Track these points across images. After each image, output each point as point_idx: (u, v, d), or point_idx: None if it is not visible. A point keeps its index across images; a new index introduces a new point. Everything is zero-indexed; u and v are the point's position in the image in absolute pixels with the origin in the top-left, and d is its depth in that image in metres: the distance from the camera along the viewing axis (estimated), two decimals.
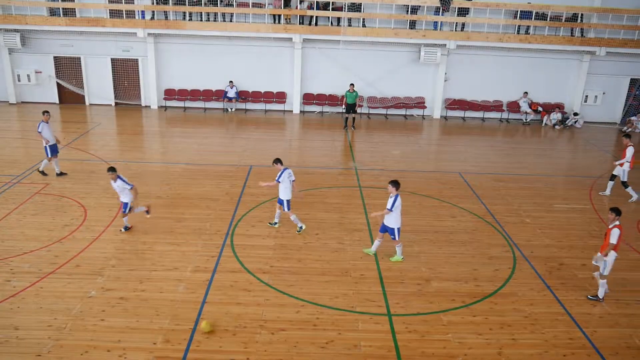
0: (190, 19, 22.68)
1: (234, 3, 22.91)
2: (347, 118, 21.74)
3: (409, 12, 22.96)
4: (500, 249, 11.71)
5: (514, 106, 24.74)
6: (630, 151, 14.64)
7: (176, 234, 11.68)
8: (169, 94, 24.16)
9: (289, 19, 22.85)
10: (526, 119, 24.53)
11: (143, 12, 22.48)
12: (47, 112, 14.88)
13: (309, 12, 22.58)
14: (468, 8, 22.75)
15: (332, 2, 22.55)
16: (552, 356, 8.24)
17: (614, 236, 9.41)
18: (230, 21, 22.81)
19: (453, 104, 24.71)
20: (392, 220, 10.62)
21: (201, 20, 22.73)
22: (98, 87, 24.08)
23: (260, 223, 12.39)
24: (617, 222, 9.54)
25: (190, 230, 11.87)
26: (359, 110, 22.42)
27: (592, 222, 13.42)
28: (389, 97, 24.39)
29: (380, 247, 11.05)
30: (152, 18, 22.53)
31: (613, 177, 15.17)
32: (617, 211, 9.62)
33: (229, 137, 20.74)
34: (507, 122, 24.79)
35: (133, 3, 22.33)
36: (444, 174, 16.69)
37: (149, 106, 24.31)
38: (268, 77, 24.10)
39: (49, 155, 14.68)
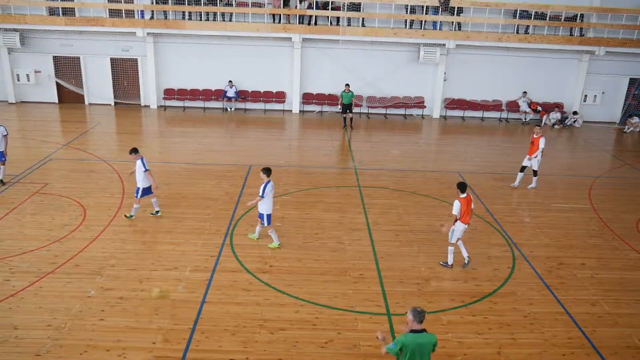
0: (190, 19, 22.67)
1: (234, 3, 22.91)
2: (345, 118, 21.62)
3: (408, 12, 22.96)
4: (499, 248, 11.71)
5: (513, 106, 24.75)
6: (542, 142, 14.89)
7: (176, 234, 11.68)
8: (169, 93, 24.15)
9: (289, 18, 22.84)
10: (525, 119, 24.53)
11: (142, 12, 22.47)
12: None
13: (309, 12, 22.58)
14: (467, 7, 22.74)
15: (332, 2, 22.55)
16: (551, 356, 8.24)
17: (454, 208, 10.17)
18: (230, 21, 22.80)
19: (452, 103, 24.72)
20: (263, 206, 10.83)
21: (201, 19, 22.72)
22: (97, 86, 24.07)
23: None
24: (461, 196, 10.21)
25: (189, 230, 11.87)
26: (357, 110, 22.42)
27: (591, 221, 13.43)
28: (388, 97, 24.39)
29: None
30: (152, 18, 22.52)
31: (523, 169, 15.35)
32: (460, 186, 10.29)
33: (229, 136, 20.74)
34: (507, 121, 24.80)
35: (132, 2, 22.31)
36: (444, 173, 16.69)
37: (149, 106, 24.31)
38: (267, 76, 24.09)
39: None
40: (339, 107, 21.65)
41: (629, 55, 23.70)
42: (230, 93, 23.72)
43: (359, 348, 8.20)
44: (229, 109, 24.17)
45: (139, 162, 11.89)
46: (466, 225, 10.40)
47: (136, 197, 12.10)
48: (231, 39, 23.19)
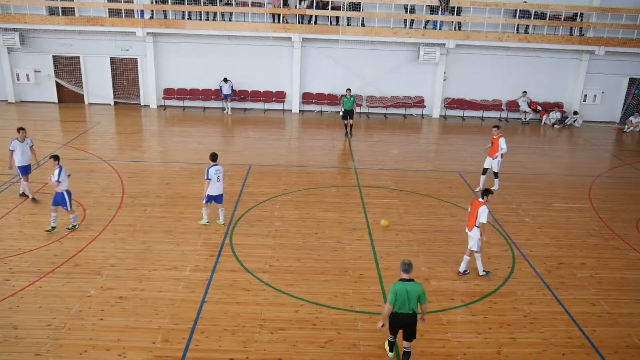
0: (190, 19, 22.66)
1: (233, 2, 22.90)
2: (346, 125, 20.45)
3: (408, 12, 22.95)
4: (499, 248, 11.72)
5: (513, 105, 24.75)
6: (503, 142, 14.39)
7: (175, 233, 11.68)
8: (168, 93, 24.14)
9: (287, 19, 22.83)
10: (525, 118, 24.53)
11: (142, 11, 22.46)
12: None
13: (308, 12, 22.57)
14: (466, 7, 22.74)
15: (331, 2, 22.54)
16: (551, 355, 8.24)
17: (485, 215, 9.93)
18: (230, 20, 22.79)
19: (452, 103, 24.71)
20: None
21: (200, 19, 22.71)
22: (97, 86, 24.06)
23: (260, 222, 12.39)
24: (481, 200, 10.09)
25: (189, 230, 11.87)
26: (357, 109, 22.28)
27: (591, 221, 13.43)
28: (388, 97, 24.39)
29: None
30: (152, 17, 22.51)
31: (485, 171, 14.89)
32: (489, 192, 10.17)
33: (228, 136, 20.73)
34: (507, 121, 24.79)
35: (132, 2, 22.31)
36: (443, 173, 16.69)
37: (148, 105, 24.29)
38: (267, 76, 24.08)
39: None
40: (340, 112, 20.43)
41: (629, 55, 23.70)
42: (225, 89, 23.14)
43: (359, 348, 8.20)
44: (225, 110, 23.67)
45: (57, 170, 11.10)
46: None
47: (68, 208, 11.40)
48: (231, 38, 23.18)
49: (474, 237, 10.09)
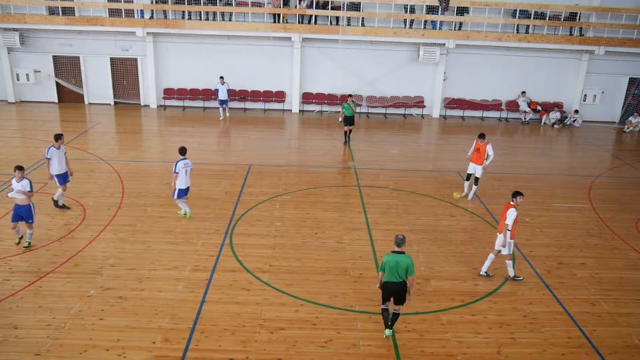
0: (190, 18, 22.66)
1: (233, 2, 22.90)
2: (346, 132, 19.38)
3: (408, 12, 22.95)
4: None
5: (513, 105, 24.75)
6: (491, 148, 13.76)
7: (175, 233, 11.68)
8: (168, 93, 24.14)
9: (287, 18, 22.84)
10: (525, 118, 24.53)
11: (142, 11, 22.46)
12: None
13: (308, 12, 22.57)
14: (467, 7, 22.75)
15: (331, 2, 22.54)
16: (551, 355, 8.25)
17: (512, 217, 9.81)
18: (230, 20, 22.79)
19: (452, 103, 24.71)
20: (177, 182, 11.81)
21: (200, 19, 22.71)
22: (97, 86, 24.05)
23: (259, 222, 12.40)
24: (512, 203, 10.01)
25: (189, 230, 11.87)
26: (358, 109, 22.27)
27: (590, 221, 13.43)
28: (388, 97, 24.39)
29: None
30: (152, 17, 22.51)
31: (469, 177, 14.33)
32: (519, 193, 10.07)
33: (228, 136, 20.73)
34: (506, 121, 24.80)
35: (132, 2, 22.31)
36: (443, 173, 16.70)
37: (148, 105, 24.29)
38: (267, 76, 24.07)
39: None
40: (340, 120, 19.25)
41: (629, 55, 23.70)
42: (222, 92, 21.94)
43: (359, 348, 8.21)
44: (222, 115, 22.38)
45: (24, 182, 10.39)
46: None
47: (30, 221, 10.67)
48: (231, 38, 23.18)
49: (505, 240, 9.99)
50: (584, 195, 15.30)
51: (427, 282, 10.14)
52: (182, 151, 12.08)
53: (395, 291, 8.19)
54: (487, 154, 13.88)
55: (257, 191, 14.24)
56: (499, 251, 10.10)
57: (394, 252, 8.12)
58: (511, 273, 10.29)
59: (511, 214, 9.76)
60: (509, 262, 10.22)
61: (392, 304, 8.34)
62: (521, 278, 10.37)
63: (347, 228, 12.30)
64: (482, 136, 13.99)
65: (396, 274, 8.06)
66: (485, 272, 10.38)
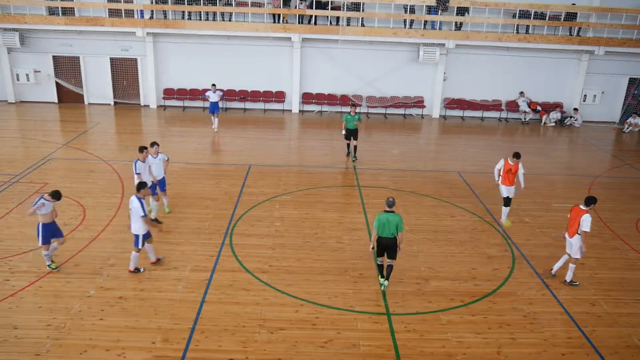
0: (190, 19, 22.66)
1: (233, 2, 22.90)
2: (349, 145, 17.53)
3: (408, 12, 22.96)
4: (499, 248, 11.72)
5: (513, 105, 24.75)
6: (521, 167, 12.68)
7: (175, 233, 11.68)
8: (168, 93, 24.14)
9: (287, 18, 22.84)
10: (525, 119, 24.53)
11: (142, 12, 22.46)
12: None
13: (308, 12, 22.57)
14: (467, 7, 22.76)
15: (331, 2, 22.54)
16: (551, 355, 8.25)
17: (588, 223, 10.02)
18: (230, 20, 22.79)
19: (452, 103, 24.71)
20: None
21: (200, 19, 22.71)
22: (97, 86, 24.05)
23: (259, 222, 12.40)
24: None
25: (189, 230, 11.87)
26: (358, 109, 22.16)
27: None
28: (388, 97, 24.39)
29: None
30: (151, 17, 22.51)
31: (509, 201, 12.87)
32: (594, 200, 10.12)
33: (228, 136, 20.72)
34: (506, 121, 24.80)
35: (132, 2, 22.31)
36: (443, 173, 16.69)
37: (148, 105, 24.29)
38: (267, 76, 24.07)
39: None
40: (343, 131, 17.29)
41: (629, 55, 23.70)
42: (214, 98, 19.96)
43: (359, 348, 8.21)
44: (213, 125, 20.47)
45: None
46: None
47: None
48: (231, 38, 23.18)
49: (575, 244, 10.01)
50: (584, 195, 15.22)
51: (427, 282, 10.15)
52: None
53: (387, 246, 9.34)
54: (520, 172, 12.65)
55: (257, 191, 14.24)
56: (577, 258, 10.10)
57: (385, 211, 9.31)
58: (569, 277, 10.24)
59: (587, 220, 9.84)
60: (573, 267, 10.17)
61: (386, 259, 9.50)
62: (577, 283, 10.31)
63: (347, 228, 12.31)
64: (517, 156, 12.43)
65: (388, 230, 9.22)
66: (573, 281, 10.31)
